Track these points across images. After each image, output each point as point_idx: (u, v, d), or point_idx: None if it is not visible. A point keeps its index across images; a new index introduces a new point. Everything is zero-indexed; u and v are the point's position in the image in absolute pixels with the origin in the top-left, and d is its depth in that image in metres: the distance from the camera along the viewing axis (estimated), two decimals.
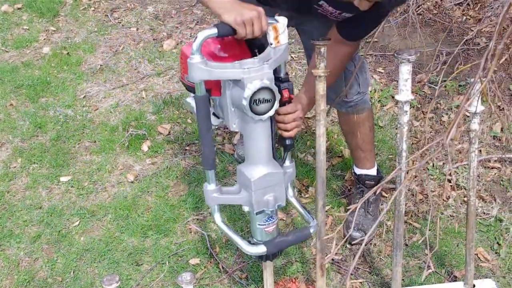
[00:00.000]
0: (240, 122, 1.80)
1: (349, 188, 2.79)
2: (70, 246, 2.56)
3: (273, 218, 1.93)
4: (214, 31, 1.67)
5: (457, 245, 2.49)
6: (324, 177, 1.99)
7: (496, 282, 2.22)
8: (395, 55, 1.83)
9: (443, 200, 2.70)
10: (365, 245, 2.45)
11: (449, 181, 2.79)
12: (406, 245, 2.48)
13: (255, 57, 1.71)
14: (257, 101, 1.69)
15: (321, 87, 1.85)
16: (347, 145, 2.72)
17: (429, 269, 2.18)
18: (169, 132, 3.20)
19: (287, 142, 1.89)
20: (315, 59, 1.84)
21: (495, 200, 2.69)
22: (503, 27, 1.70)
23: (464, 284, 2.17)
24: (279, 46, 1.76)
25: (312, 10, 1.96)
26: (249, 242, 1.97)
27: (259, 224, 1.93)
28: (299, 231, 2.00)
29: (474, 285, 2.16)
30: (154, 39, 4.10)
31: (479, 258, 2.43)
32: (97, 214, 2.71)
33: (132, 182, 2.88)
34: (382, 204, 2.67)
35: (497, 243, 2.49)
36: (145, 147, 3.10)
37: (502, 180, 2.80)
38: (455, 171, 2.82)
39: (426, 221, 2.59)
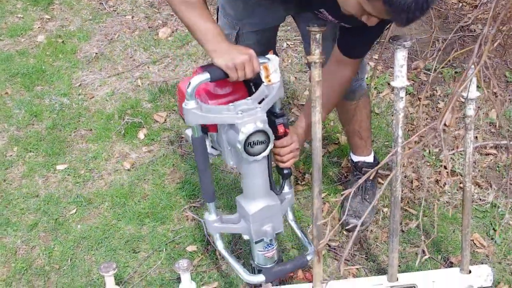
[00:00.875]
0: (236, 160, 1.85)
1: (345, 175, 2.79)
2: (67, 234, 2.56)
3: (272, 245, 2.00)
4: (207, 76, 1.70)
5: (453, 231, 2.50)
6: (321, 164, 1.99)
7: (492, 268, 2.23)
8: (391, 41, 1.82)
9: (439, 186, 2.71)
10: (362, 231, 2.49)
11: (445, 167, 2.79)
12: (403, 231, 2.49)
13: (249, 98, 1.75)
14: (252, 144, 1.73)
15: (316, 74, 1.84)
16: (344, 132, 2.72)
17: (424, 255, 2.20)
18: (165, 120, 3.20)
19: (285, 171, 1.95)
20: (311, 46, 1.83)
21: (491, 186, 2.70)
22: (497, 12, 1.69)
23: (460, 270, 2.17)
24: (272, 84, 1.78)
25: (312, 13, 1.96)
26: (251, 265, 2.07)
27: (259, 251, 2.01)
28: (297, 260, 2.07)
29: (470, 271, 2.17)
30: (149, 27, 4.08)
31: (475, 244, 2.44)
32: (94, 202, 2.72)
33: (128, 170, 2.88)
34: (379, 192, 2.67)
35: (493, 229, 2.50)
36: (141, 135, 3.09)
37: (498, 167, 2.81)
38: (451, 158, 2.82)
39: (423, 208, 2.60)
